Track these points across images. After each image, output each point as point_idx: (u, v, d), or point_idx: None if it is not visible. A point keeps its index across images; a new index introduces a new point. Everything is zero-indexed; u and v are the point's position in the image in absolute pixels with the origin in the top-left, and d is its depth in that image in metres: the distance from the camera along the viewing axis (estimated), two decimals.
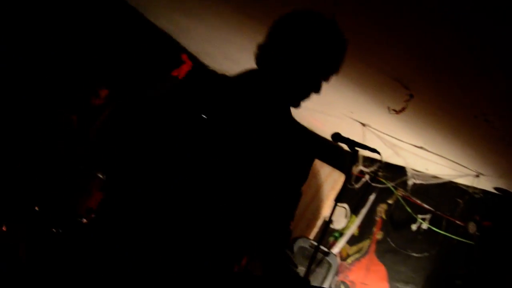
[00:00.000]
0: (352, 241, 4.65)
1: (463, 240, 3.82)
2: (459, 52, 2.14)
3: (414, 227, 4.20)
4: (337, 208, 2.32)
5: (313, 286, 1.50)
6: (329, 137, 1.92)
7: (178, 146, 1.29)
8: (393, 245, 4.31)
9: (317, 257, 2.90)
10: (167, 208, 1.28)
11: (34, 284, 2.88)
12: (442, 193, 4.07)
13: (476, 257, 3.69)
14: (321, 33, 1.33)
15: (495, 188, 3.70)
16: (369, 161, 4.68)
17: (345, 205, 4.79)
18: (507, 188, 3.59)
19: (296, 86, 1.35)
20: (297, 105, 1.40)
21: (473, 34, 1.92)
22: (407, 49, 2.38)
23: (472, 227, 3.82)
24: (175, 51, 4.56)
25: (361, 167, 4.71)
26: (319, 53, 1.33)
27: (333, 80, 1.44)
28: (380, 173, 4.59)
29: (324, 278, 4.35)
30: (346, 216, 4.76)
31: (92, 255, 1.31)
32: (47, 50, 3.71)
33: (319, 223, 4.96)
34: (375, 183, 4.61)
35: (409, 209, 4.27)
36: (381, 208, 4.57)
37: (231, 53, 3.99)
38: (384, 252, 4.36)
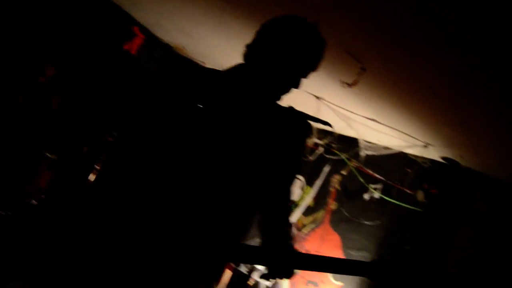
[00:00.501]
0: (308, 211, 4.76)
1: (412, 207, 4.00)
2: (408, 29, 2.19)
3: (366, 196, 4.35)
4: None
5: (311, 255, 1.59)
6: None
7: (178, 134, 1.41)
8: (346, 214, 4.45)
9: None
10: (169, 196, 1.38)
11: None
12: (393, 163, 4.22)
13: (424, 223, 3.88)
14: (302, 37, 1.47)
15: (442, 158, 3.87)
16: (323, 133, 4.75)
17: (301, 177, 4.87)
18: (453, 157, 3.77)
19: (279, 84, 1.48)
20: (278, 98, 1.53)
21: (421, 11, 1.96)
22: (357, 22, 2.40)
23: (420, 195, 4.00)
24: (126, 23, 4.38)
25: (315, 140, 4.78)
26: (300, 55, 1.47)
27: None
28: (334, 145, 4.69)
29: None
30: (302, 187, 4.85)
31: (92, 255, 1.38)
32: None
33: None
34: (329, 155, 4.71)
35: (362, 179, 4.40)
36: (335, 179, 4.68)
37: (184, 26, 3.90)
38: (338, 222, 4.50)
